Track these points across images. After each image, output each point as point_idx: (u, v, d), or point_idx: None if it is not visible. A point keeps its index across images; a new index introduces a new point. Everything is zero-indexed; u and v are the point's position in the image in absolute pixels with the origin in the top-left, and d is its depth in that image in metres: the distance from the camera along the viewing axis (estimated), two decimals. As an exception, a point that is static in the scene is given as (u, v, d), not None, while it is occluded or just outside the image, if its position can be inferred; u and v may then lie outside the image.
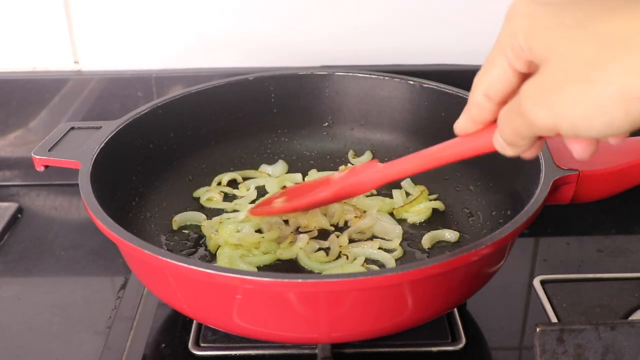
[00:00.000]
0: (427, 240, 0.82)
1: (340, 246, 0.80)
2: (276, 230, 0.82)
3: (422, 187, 0.90)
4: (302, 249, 0.79)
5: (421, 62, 1.02)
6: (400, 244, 0.82)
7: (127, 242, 0.63)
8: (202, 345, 0.73)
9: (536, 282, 0.82)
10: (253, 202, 0.89)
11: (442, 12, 1.00)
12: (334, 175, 0.78)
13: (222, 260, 0.78)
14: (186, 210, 0.87)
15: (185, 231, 0.85)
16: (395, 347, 0.72)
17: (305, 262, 0.78)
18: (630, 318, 0.76)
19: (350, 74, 0.95)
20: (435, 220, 0.86)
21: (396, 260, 0.79)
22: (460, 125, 0.59)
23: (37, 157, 0.77)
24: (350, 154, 0.96)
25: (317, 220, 0.84)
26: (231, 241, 0.80)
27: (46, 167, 0.78)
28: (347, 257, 0.79)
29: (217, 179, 0.92)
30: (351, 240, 0.82)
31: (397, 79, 0.93)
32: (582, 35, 0.44)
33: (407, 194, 0.90)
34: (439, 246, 0.82)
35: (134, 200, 0.83)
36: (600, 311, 0.77)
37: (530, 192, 0.69)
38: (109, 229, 0.65)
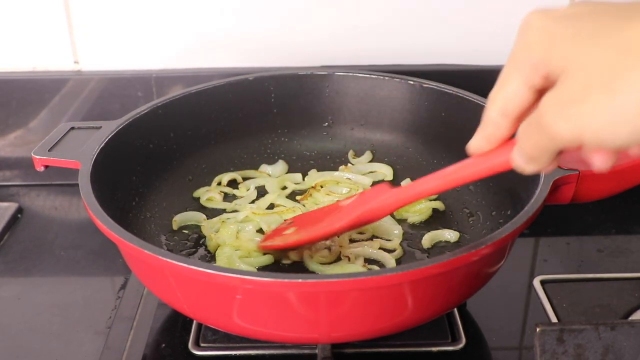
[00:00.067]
0: (427, 240, 0.82)
1: (341, 246, 0.80)
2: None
3: (422, 187, 0.90)
4: (308, 249, 0.79)
5: (421, 62, 1.02)
6: (400, 244, 0.82)
7: (127, 242, 0.63)
8: (202, 345, 0.73)
9: (536, 282, 0.82)
10: (253, 202, 0.89)
11: (442, 12, 1.00)
12: (343, 201, 0.76)
13: (221, 260, 0.78)
14: (186, 210, 0.87)
15: (185, 231, 0.85)
16: (395, 347, 0.72)
17: (307, 262, 0.78)
18: (630, 318, 0.76)
19: (350, 74, 0.95)
20: (435, 220, 0.86)
21: (396, 260, 0.79)
22: (475, 144, 0.57)
23: (37, 157, 0.77)
24: (350, 154, 0.96)
25: (317, 220, 0.84)
26: (234, 244, 0.80)
27: (46, 167, 0.78)
28: (349, 259, 0.79)
29: (217, 179, 0.92)
30: (351, 240, 0.82)
31: (397, 79, 0.93)
32: (601, 45, 0.44)
33: (407, 194, 0.90)
34: (439, 246, 0.82)
35: (134, 200, 0.83)
36: (600, 311, 0.77)
37: (530, 192, 0.69)
38: (109, 229, 0.65)
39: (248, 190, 0.91)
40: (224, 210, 0.88)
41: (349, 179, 0.92)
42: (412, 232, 0.84)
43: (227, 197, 0.90)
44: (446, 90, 0.90)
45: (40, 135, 1.01)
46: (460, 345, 0.73)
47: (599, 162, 0.49)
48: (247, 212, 0.85)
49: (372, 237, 0.83)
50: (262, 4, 1.00)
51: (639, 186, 0.75)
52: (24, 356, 0.74)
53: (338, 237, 0.81)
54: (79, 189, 0.70)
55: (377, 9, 1.00)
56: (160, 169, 0.88)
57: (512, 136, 0.54)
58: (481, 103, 0.86)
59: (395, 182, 0.92)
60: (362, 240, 0.82)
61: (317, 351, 0.70)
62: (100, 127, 0.82)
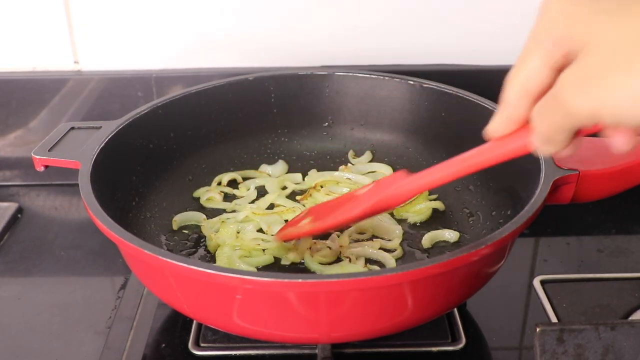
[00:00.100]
0: (427, 240, 0.82)
1: (341, 246, 0.80)
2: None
3: (422, 187, 0.90)
4: (309, 249, 0.79)
5: (421, 62, 1.02)
6: (400, 244, 0.82)
7: (127, 242, 0.63)
8: (202, 345, 0.73)
9: (536, 282, 0.82)
10: (253, 202, 0.89)
11: (442, 12, 1.00)
12: (359, 190, 0.75)
13: (221, 260, 0.78)
14: (186, 210, 0.87)
15: (185, 231, 0.85)
16: (395, 347, 0.72)
17: (307, 262, 0.78)
18: (630, 318, 0.76)
19: (350, 74, 0.95)
20: (435, 220, 0.86)
21: (396, 260, 0.79)
22: (494, 127, 0.56)
23: (37, 157, 0.77)
24: (350, 154, 0.96)
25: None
26: (234, 244, 0.80)
27: (46, 167, 0.78)
28: (350, 260, 0.78)
29: (217, 179, 0.92)
30: (351, 241, 0.82)
31: (397, 79, 0.93)
32: (624, 21, 0.44)
33: (407, 194, 0.90)
34: (439, 246, 0.82)
35: (134, 200, 0.83)
36: (600, 311, 0.77)
37: (530, 192, 0.69)
38: (109, 229, 0.65)
39: (248, 190, 0.91)
40: (224, 210, 0.88)
41: (349, 179, 0.92)
42: (412, 232, 0.84)
43: (227, 197, 0.90)
44: (446, 90, 0.90)
45: (40, 135, 1.01)
46: (460, 345, 0.73)
47: (619, 143, 0.48)
48: (247, 212, 0.85)
49: (372, 237, 0.83)
50: (262, 4, 1.00)
51: (639, 186, 0.75)
52: (24, 356, 0.74)
53: (340, 233, 0.81)
54: (79, 189, 0.70)
55: (377, 9, 1.00)
56: (160, 169, 0.88)
57: None
58: (481, 103, 0.86)
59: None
60: (363, 240, 0.82)
61: (317, 351, 0.70)
62: (100, 127, 0.82)
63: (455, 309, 0.76)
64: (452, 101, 0.89)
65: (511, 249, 0.71)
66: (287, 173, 0.95)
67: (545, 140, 0.50)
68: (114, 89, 1.02)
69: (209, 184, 0.92)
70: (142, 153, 0.86)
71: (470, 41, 1.01)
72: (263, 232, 0.83)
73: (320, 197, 0.88)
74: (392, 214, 0.86)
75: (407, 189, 0.68)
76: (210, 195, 0.89)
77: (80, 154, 0.76)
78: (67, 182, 1.02)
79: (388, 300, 0.62)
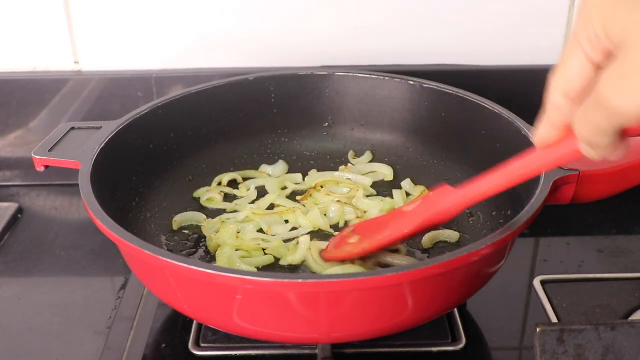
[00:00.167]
0: (427, 240, 0.82)
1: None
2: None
3: (422, 187, 0.90)
4: (310, 249, 0.79)
5: (421, 62, 1.02)
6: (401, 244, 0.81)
7: (127, 242, 0.63)
8: (202, 345, 0.73)
9: (536, 282, 0.82)
10: (253, 202, 0.89)
11: (442, 12, 1.00)
12: (406, 207, 0.75)
13: (221, 260, 0.78)
14: (186, 210, 0.87)
15: (185, 231, 0.85)
16: (395, 347, 0.72)
17: (308, 262, 0.78)
18: (630, 318, 0.76)
19: (350, 74, 0.95)
20: (435, 220, 0.86)
21: (397, 260, 0.79)
22: (541, 134, 0.55)
23: (37, 157, 0.77)
24: (350, 154, 0.96)
25: (317, 221, 0.84)
26: (234, 243, 0.80)
27: (46, 167, 0.78)
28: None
29: (217, 179, 0.92)
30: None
31: (397, 79, 0.93)
32: None
33: (407, 194, 0.90)
34: (439, 246, 0.82)
35: (134, 200, 0.83)
36: (600, 311, 0.77)
37: (530, 192, 0.69)
38: (109, 229, 0.65)
39: (248, 190, 0.91)
40: (224, 210, 0.88)
41: (349, 179, 0.92)
42: (412, 232, 0.84)
43: (227, 197, 0.90)
44: (446, 90, 0.90)
45: (40, 135, 1.01)
46: (460, 345, 0.73)
47: None
48: (247, 212, 0.85)
49: (372, 237, 0.83)
50: (262, 4, 1.00)
51: (639, 186, 0.75)
52: (24, 356, 0.74)
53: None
54: (79, 189, 0.70)
55: (377, 9, 1.00)
56: (160, 169, 0.88)
57: None
58: (481, 103, 0.86)
59: (395, 182, 0.92)
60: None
61: (317, 351, 0.70)
62: (100, 127, 0.82)
63: (455, 309, 0.76)
64: (452, 101, 0.89)
65: (511, 249, 0.71)
66: (287, 173, 0.95)
67: (590, 144, 0.49)
68: (114, 89, 1.02)
69: (209, 184, 0.92)
70: (142, 153, 0.86)
71: (470, 41, 1.01)
72: (263, 232, 0.83)
73: (321, 197, 0.88)
74: (392, 214, 0.86)
75: (457, 204, 0.68)
76: (210, 195, 0.89)
77: (80, 154, 0.76)
78: (67, 182, 1.02)
79: (388, 300, 0.62)
